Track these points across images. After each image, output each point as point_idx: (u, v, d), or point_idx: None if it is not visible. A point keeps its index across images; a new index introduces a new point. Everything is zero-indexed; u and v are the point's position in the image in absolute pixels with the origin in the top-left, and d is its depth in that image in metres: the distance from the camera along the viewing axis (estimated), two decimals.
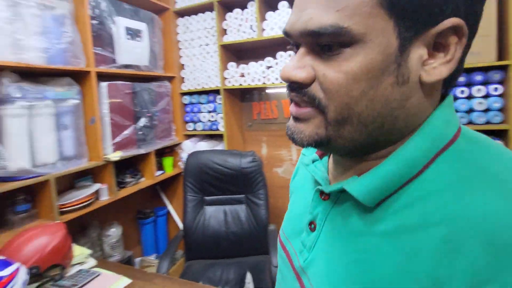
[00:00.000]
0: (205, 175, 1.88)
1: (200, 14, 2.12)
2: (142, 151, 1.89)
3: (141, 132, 1.89)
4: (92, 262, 1.30)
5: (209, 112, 2.21)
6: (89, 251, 1.33)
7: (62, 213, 1.43)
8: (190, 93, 2.30)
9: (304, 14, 0.30)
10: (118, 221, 1.91)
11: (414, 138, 0.31)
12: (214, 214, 1.87)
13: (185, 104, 2.31)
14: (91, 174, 1.72)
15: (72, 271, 1.21)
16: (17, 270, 0.93)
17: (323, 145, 0.34)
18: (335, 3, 0.28)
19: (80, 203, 1.50)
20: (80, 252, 1.31)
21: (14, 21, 1.18)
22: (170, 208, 2.39)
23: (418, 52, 0.29)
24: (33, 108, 1.26)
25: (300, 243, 0.41)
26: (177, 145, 2.29)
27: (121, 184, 1.85)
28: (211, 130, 2.21)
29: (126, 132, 1.77)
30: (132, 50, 1.75)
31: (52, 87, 1.34)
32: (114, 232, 1.84)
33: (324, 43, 0.30)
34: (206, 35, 2.13)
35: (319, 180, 0.40)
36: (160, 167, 2.22)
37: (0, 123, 1.18)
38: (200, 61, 2.19)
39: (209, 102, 2.21)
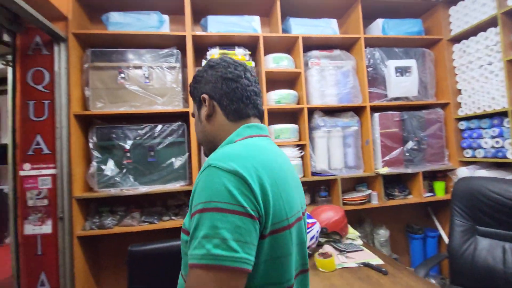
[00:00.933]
0: (478, 202, 1.66)
1: (481, 33, 1.96)
2: (409, 170, 2.05)
3: (408, 154, 2.06)
4: (360, 241, 1.68)
5: (493, 137, 1.91)
6: (358, 234, 1.73)
7: (344, 204, 1.96)
8: (467, 118, 2.12)
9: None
10: (386, 225, 2.17)
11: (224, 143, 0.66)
12: (489, 248, 1.59)
13: (462, 130, 2.15)
14: (366, 182, 2.16)
15: (346, 241, 1.66)
16: (315, 222, 1.53)
17: (206, 155, 0.73)
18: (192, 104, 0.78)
19: (356, 200, 1.97)
20: (352, 232, 1.75)
21: (321, 80, 1.96)
22: (441, 232, 2.24)
23: (203, 110, 0.69)
24: (330, 132, 1.95)
25: None
26: (451, 170, 2.16)
27: (389, 196, 2.11)
28: (496, 157, 1.88)
29: (394, 152, 2.04)
30: (401, 84, 2.03)
31: (341, 118, 1.98)
32: (383, 233, 2.11)
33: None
34: (488, 53, 1.92)
35: None
36: (431, 189, 2.21)
37: (313, 141, 1.96)
38: (480, 83, 1.99)
39: (492, 126, 1.92)
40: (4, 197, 4.17)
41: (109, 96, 1.70)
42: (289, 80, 2.12)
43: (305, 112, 1.91)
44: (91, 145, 1.67)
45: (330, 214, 1.68)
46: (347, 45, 2.15)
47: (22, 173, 1.57)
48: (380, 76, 2.06)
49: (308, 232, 1.47)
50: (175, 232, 1.76)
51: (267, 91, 1.93)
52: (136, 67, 1.74)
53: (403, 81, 2.04)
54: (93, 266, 1.81)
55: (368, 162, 2.02)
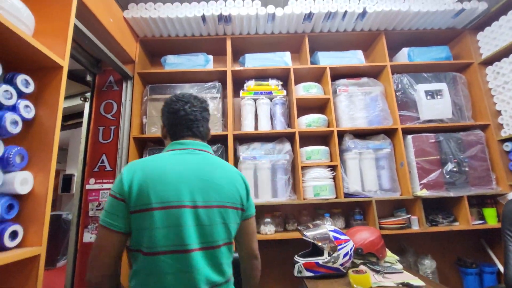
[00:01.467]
0: None
1: None
2: (451, 194, 1.90)
3: (448, 176, 1.94)
4: (399, 266, 1.55)
5: None
6: (397, 258, 1.61)
7: (382, 228, 1.85)
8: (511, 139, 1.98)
9: None
10: (432, 255, 1.96)
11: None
12: None
13: (508, 152, 1.99)
14: (404, 207, 2.03)
15: (384, 265, 1.55)
16: (348, 239, 1.48)
17: None
18: None
19: (394, 224, 1.85)
20: (391, 255, 1.63)
21: (350, 105, 2.02)
22: (500, 266, 1.95)
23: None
24: (361, 154, 1.94)
25: None
26: (501, 195, 1.96)
27: (432, 222, 1.95)
28: None
29: (433, 175, 1.93)
30: (433, 107, 2.00)
31: (372, 141, 1.97)
32: (428, 264, 1.91)
33: None
34: None
35: None
36: (481, 217, 2.00)
37: (344, 163, 1.96)
38: None
39: None
40: (62, 222, 4.56)
41: None
42: (318, 106, 2.22)
43: (335, 134, 1.96)
44: None
45: (365, 234, 1.61)
46: (374, 73, 2.22)
47: (87, 186, 1.81)
48: (410, 100, 2.07)
49: (341, 249, 1.42)
50: None
51: (298, 116, 2.04)
52: None
53: (435, 104, 2.02)
54: None
55: (405, 185, 1.93)
